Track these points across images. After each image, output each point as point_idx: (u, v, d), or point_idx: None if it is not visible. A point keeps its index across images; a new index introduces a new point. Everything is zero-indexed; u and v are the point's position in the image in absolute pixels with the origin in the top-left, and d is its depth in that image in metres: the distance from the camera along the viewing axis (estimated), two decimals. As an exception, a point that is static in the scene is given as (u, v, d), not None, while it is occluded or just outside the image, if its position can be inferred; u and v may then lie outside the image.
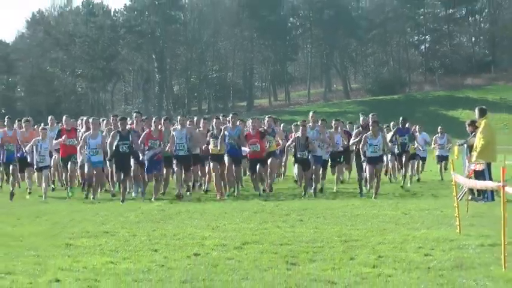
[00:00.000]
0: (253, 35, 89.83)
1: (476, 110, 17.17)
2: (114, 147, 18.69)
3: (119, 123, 18.87)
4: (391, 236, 10.98)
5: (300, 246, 10.26)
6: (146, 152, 19.16)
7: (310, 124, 20.82)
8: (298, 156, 19.96)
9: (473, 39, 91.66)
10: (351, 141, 20.68)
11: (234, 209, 15.81)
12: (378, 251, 9.74)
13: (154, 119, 20.16)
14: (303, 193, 19.95)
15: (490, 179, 14.60)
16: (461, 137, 20.84)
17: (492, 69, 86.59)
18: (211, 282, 7.88)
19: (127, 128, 19.32)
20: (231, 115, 20.64)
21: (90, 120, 19.99)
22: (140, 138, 19.25)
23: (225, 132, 19.53)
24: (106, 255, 9.57)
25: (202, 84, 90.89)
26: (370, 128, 18.95)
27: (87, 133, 19.30)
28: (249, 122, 21.07)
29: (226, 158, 19.49)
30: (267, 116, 21.99)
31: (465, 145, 18.53)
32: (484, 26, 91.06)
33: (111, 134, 18.89)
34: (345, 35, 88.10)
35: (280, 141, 21.26)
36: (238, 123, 20.56)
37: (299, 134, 20.19)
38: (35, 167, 19.67)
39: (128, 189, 19.51)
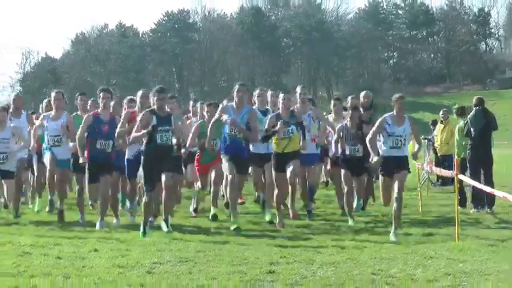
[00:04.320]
0: (255, 52, 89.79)
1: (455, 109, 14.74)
2: (144, 138, 9.65)
3: (154, 99, 9.85)
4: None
5: None
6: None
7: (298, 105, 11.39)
8: (347, 154, 11.06)
9: (432, 55, 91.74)
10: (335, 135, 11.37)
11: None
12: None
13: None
14: (350, 219, 10.86)
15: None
16: (424, 134, 19.36)
17: (447, 79, 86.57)
18: None
19: (164, 108, 9.96)
20: (236, 86, 10.76)
21: (53, 94, 11.48)
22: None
23: (224, 118, 10.55)
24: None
25: (213, 92, 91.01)
26: (395, 108, 10.01)
27: (47, 113, 11.57)
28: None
29: (226, 164, 10.60)
30: (299, 87, 11.76)
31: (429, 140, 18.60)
32: (441, 45, 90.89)
33: (140, 116, 9.80)
34: (328, 52, 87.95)
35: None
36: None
37: (347, 121, 11.27)
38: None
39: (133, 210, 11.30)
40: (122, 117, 10.74)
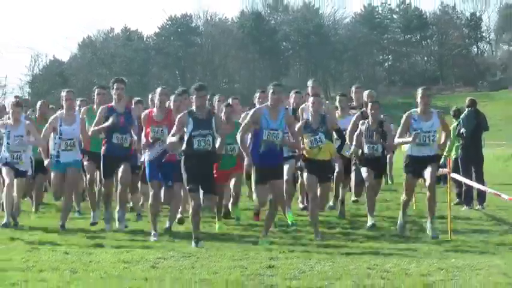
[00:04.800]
0: (255, 56, 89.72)
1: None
2: (176, 143, 8.49)
3: (193, 97, 8.55)
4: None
5: None
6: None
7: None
8: (366, 153, 9.92)
9: (425, 58, 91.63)
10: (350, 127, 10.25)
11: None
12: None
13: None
14: (369, 224, 9.78)
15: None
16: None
17: (440, 82, 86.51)
18: None
19: (204, 106, 8.73)
20: (271, 87, 8.95)
21: (64, 93, 10.24)
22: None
23: (259, 119, 8.78)
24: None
25: (215, 93, 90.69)
26: (420, 102, 8.99)
27: (59, 113, 10.29)
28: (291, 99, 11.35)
29: (256, 173, 8.92)
30: (310, 81, 11.50)
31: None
32: (434, 48, 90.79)
33: (179, 117, 8.54)
34: (326, 56, 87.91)
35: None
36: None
37: (369, 118, 10.04)
38: None
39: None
40: (142, 116, 9.58)
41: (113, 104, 9.75)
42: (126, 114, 9.65)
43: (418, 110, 9.04)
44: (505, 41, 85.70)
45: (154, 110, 9.50)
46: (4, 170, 10.16)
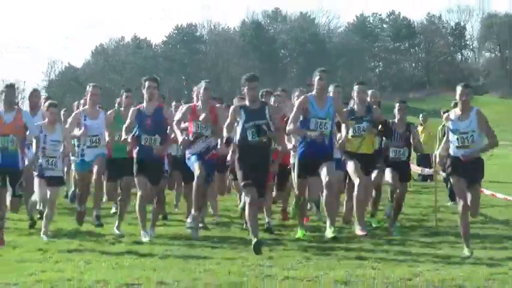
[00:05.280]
0: (255, 63, 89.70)
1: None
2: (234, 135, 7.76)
3: (245, 89, 7.73)
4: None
5: None
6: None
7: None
8: (391, 156, 8.79)
9: (413, 64, 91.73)
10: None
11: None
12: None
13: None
14: (391, 229, 8.83)
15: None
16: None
17: (427, 86, 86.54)
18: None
19: (257, 97, 7.94)
20: (318, 74, 8.15)
21: (90, 88, 9.55)
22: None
23: (305, 110, 7.86)
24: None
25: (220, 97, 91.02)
26: (459, 100, 7.55)
27: (83, 108, 9.60)
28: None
29: (300, 166, 8.03)
30: (332, 86, 9.17)
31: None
32: (421, 55, 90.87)
33: (231, 110, 7.83)
34: (321, 62, 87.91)
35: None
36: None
37: (396, 118, 8.93)
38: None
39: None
40: (184, 110, 8.62)
41: (143, 104, 8.58)
42: (154, 115, 8.42)
43: (457, 109, 7.60)
44: (487, 49, 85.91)
45: (198, 104, 8.47)
46: (36, 182, 8.89)
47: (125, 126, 8.49)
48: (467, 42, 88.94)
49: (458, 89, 7.59)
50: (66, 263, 6.92)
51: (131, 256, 7.34)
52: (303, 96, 8.10)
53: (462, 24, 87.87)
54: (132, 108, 8.63)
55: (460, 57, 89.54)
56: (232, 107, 7.86)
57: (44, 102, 10.14)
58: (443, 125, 12.67)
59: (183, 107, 8.84)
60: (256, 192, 7.47)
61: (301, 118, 7.89)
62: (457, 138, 7.41)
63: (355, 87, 8.95)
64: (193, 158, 8.32)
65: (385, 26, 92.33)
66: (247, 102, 7.71)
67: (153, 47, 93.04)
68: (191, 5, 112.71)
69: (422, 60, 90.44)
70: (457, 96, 7.58)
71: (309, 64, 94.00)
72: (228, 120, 7.70)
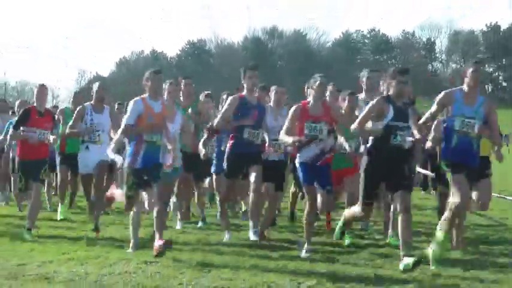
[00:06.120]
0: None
1: None
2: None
3: (393, 82, 5.56)
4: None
5: None
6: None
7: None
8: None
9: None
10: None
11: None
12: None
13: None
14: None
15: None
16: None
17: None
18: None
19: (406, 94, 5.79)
20: (473, 66, 5.69)
21: (166, 85, 7.58)
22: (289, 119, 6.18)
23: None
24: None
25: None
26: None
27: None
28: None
29: (458, 181, 5.56)
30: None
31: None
32: (398, 66, 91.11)
33: (374, 104, 5.56)
34: (312, 73, 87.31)
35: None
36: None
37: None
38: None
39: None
40: (292, 110, 6.30)
41: (245, 93, 6.85)
42: (259, 107, 6.86)
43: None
44: (453, 61, 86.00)
45: (311, 101, 6.38)
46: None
47: (223, 110, 6.78)
48: (437, 55, 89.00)
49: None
50: (94, 244, 6.87)
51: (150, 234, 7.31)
52: (449, 90, 5.80)
53: (432, 40, 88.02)
54: (232, 96, 6.92)
55: (430, 68, 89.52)
56: (376, 99, 5.60)
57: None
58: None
59: (293, 107, 6.34)
60: (371, 210, 5.86)
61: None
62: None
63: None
64: (302, 176, 6.15)
65: (366, 41, 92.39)
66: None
67: (169, 59, 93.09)
68: (191, 5, 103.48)
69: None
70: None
71: (300, 72, 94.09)
72: (367, 114, 5.55)
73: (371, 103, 5.62)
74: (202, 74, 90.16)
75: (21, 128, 7.27)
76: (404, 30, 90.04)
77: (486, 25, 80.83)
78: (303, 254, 6.09)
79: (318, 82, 6.33)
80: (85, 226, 8.10)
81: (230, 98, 6.93)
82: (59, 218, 8.68)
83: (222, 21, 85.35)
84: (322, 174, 6.07)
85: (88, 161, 7.65)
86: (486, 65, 73.63)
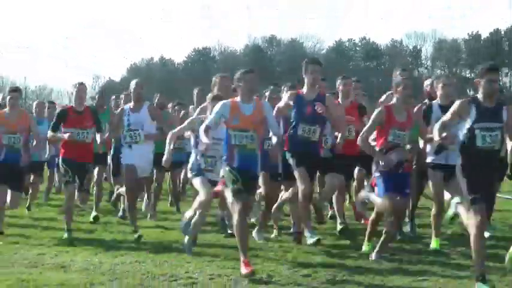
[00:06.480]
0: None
1: None
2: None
3: (482, 80, 4.38)
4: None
5: None
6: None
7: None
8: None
9: (380, 79, 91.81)
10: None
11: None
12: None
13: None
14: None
15: None
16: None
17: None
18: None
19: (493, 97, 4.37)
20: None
21: (217, 79, 7.11)
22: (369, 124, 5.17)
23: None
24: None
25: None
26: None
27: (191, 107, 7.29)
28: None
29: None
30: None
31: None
32: (386, 72, 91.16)
33: (459, 104, 4.47)
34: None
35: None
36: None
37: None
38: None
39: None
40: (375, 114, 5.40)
41: (303, 90, 6.20)
42: (316, 102, 5.95)
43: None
44: (438, 67, 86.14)
45: (395, 103, 5.30)
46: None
47: (280, 104, 6.11)
48: (423, 62, 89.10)
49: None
50: (106, 237, 6.89)
51: (159, 229, 7.30)
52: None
53: (418, 47, 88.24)
54: (290, 92, 6.40)
55: (416, 73, 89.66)
56: (459, 101, 4.56)
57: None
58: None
59: (376, 111, 5.40)
60: (483, 215, 4.50)
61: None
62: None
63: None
64: (383, 185, 5.28)
65: (357, 48, 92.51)
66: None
67: (176, 65, 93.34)
68: (191, 5, 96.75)
69: (388, 75, 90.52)
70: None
71: (298, 79, 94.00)
72: (454, 114, 4.57)
73: (458, 102, 4.53)
74: (207, 80, 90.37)
75: (60, 130, 6.57)
76: (392, 38, 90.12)
77: (468, 34, 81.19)
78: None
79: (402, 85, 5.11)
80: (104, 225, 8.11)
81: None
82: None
83: (222, 22, 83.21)
84: (403, 180, 5.26)
85: (132, 155, 6.61)
86: (468, 71, 73.76)
